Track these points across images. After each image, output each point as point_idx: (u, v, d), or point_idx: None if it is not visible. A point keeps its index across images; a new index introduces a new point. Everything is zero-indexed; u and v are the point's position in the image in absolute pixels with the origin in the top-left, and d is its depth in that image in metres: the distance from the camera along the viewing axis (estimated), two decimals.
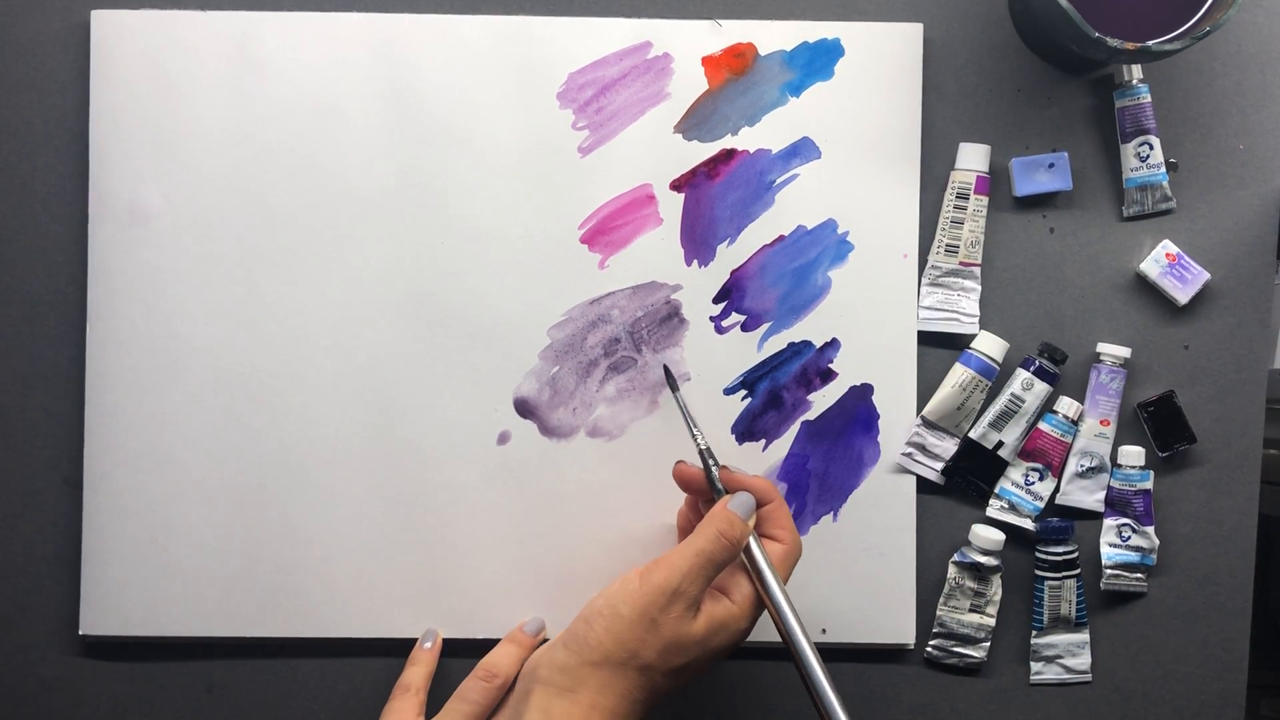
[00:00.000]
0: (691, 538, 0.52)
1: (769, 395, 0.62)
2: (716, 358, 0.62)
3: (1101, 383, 0.61)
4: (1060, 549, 0.62)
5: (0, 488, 0.62)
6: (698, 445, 0.57)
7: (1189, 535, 0.63)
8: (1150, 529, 0.62)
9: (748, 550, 0.53)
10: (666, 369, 0.60)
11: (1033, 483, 0.62)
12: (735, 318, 0.62)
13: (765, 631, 0.63)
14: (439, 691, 0.61)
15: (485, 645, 0.62)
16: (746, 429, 0.62)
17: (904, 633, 0.62)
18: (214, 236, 0.62)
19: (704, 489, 0.56)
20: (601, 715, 0.49)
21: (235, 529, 0.61)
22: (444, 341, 0.62)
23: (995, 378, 0.62)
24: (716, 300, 0.62)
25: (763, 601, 0.53)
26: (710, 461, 0.56)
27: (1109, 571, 0.62)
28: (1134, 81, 0.61)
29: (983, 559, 0.61)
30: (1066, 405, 0.62)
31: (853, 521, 0.62)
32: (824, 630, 0.62)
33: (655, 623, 0.49)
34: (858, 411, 0.62)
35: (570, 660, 0.50)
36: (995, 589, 0.62)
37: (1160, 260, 0.61)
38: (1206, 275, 0.61)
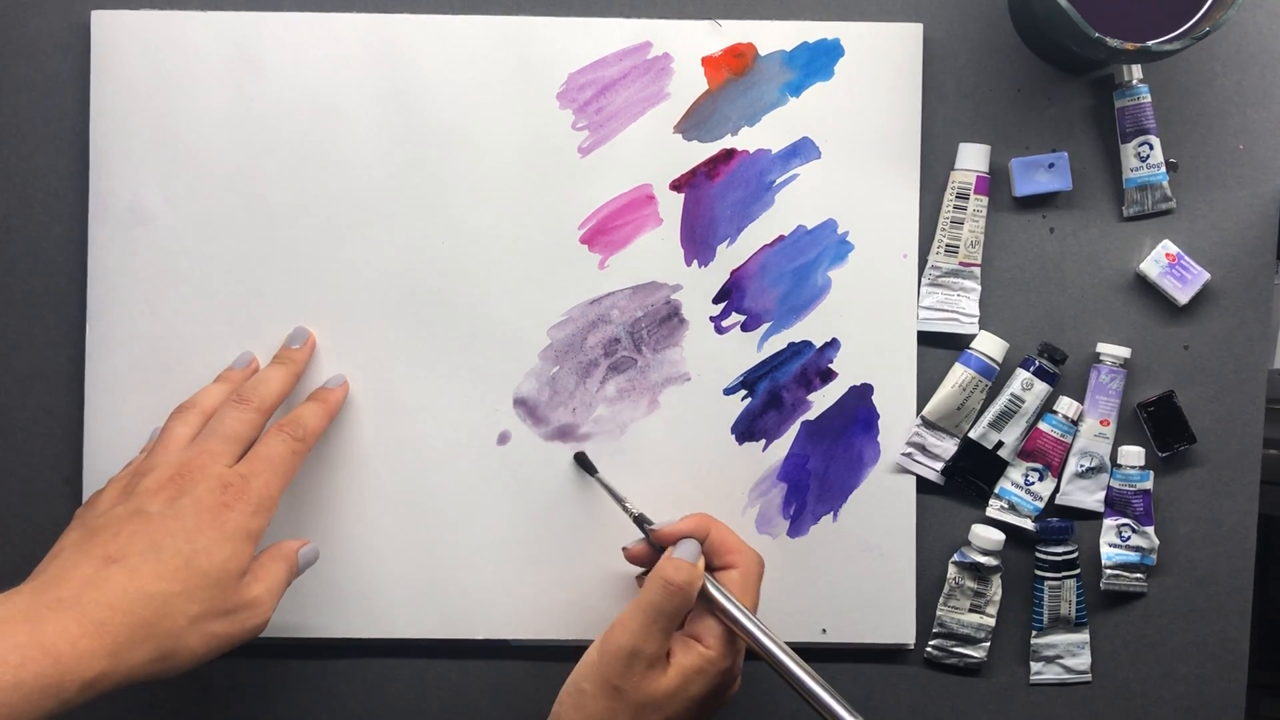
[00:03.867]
0: (639, 594, 0.51)
1: (769, 395, 0.62)
2: (716, 358, 0.62)
3: (1101, 383, 0.62)
4: (1060, 549, 0.62)
5: (0, 488, 0.62)
6: (631, 515, 0.57)
7: (1189, 535, 0.63)
8: (1150, 529, 0.62)
9: (704, 591, 0.52)
10: (580, 456, 0.61)
11: (1032, 483, 0.62)
12: (735, 318, 0.62)
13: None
14: (438, 692, 0.61)
15: (486, 646, 0.62)
16: (746, 429, 0.62)
17: (904, 633, 0.62)
18: (214, 236, 0.62)
19: (653, 559, 0.56)
20: None
21: None
22: (444, 341, 0.62)
23: (995, 378, 0.62)
24: (716, 300, 0.62)
25: (736, 636, 0.52)
26: (645, 526, 0.56)
27: (1109, 571, 0.62)
28: (1134, 81, 0.61)
29: (982, 559, 0.61)
30: (1066, 405, 0.62)
31: (853, 521, 0.62)
32: (824, 630, 0.62)
33: (619, 690, 0.49)
34: (857, 411, 0.62)
35: None
36: (995, 589, 0.62)
37: (1160, 260, 0.61)
38: (1206, 275, 0.61)
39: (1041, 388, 0.61)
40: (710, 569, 0.54)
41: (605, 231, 0.62)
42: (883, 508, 0.62)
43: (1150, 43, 0.54)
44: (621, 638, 0.50)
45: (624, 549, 0.57)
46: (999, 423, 0.62)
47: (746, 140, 0.62)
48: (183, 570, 0.48)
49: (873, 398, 0.62)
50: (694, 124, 0.62)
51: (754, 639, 0.51)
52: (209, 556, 0.49)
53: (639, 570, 0.58)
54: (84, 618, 0.45)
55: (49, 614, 0.45)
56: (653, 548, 0.56)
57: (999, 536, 0.61)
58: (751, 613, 0.53)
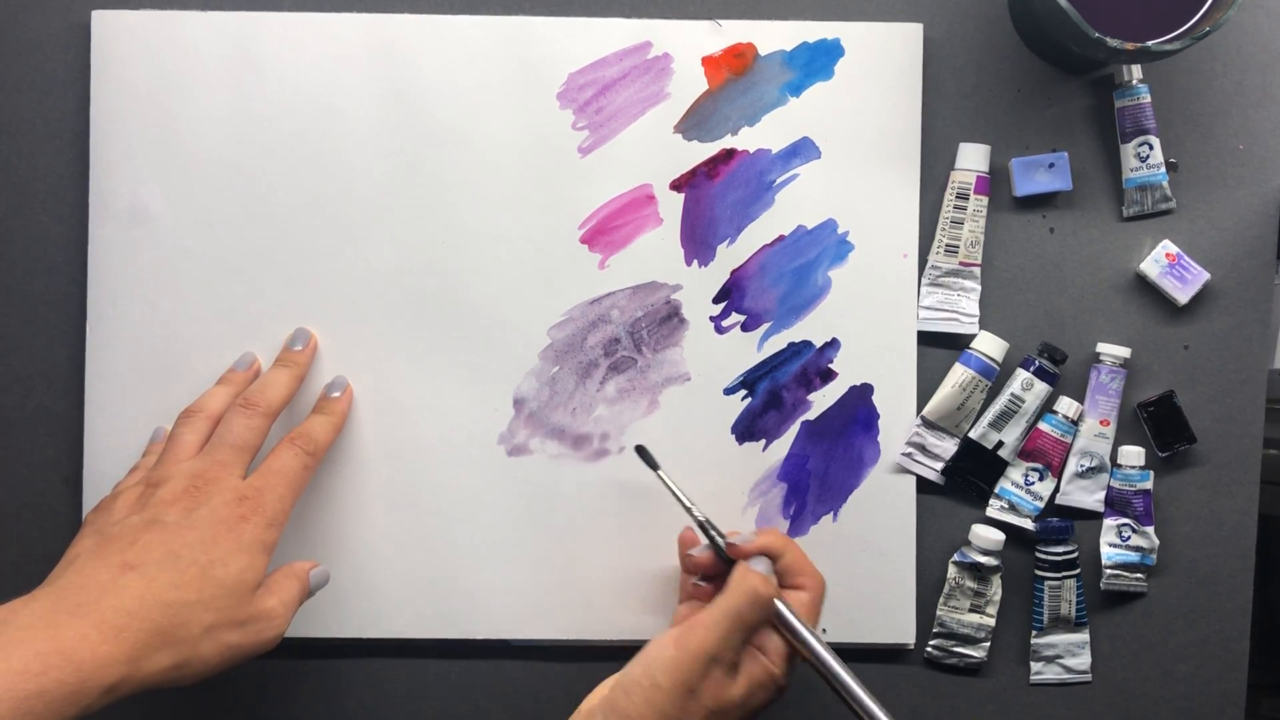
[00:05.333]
0: (723, 599, 0.51)
1: (769, 395, 0.62)
2: (716, 358, 0.62)
3: (1101, 383, 0.62)
4: (1060, 549, 0.62)
5: (1, 488, 0.62)
6: (697, 519, 0.56)
7: (1189, 535, 0.63)
8: (1150, 529, 0.62)
9: (777, 612, 0.52)
10: (641, 449, 0.58)
11: (1032, 483, 0.62)
12: (735, 318, 0.62)
13: None
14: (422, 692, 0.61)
15: (486, 646, 0.62)
16: (746, 429, 0.62)
17: (904, 633, 0.62)
18: (214, 236, 0.62)
19: (716, 567, 0.55)
20: None
21: None
22: (444, 341, 0.62)
23: (995, 378, 0.62)
24: (716, 300, 0.62)
25: (797, 654, 0.52)
26: (714, 533, 0.55)
27: (1109, 571, 0.62)
28: (1134, 81, 0.61)
29: (983, 559, 0.61)
30: (1066, 405, 0.62)
31: (853, 521, 0.62)
32: (824, 630, 0.62)
33: (695, 692, 0.49)
34: (858, 411, 0.62)
35: None
36: (995, 589, 0.62)
37: (1160, 260, 0.61)
38: (1206, 275, 0.61)
39: (1041, 388, 0.61)
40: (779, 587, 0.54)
41: (605, 231, 0.62)
42: (883, 508, 0.62)
43: (1150, 43, 0.54)
44: (707, 641, 0.49)
45: (689, 555, 0.56)
46: (999, 423, 0.62)
47: (746, 140, 0.62)
48: (199, 579, 0.49)
49: (873, 398, 0.62)
50: (694, 124, 0.62)
51: (828, 669, 0.51)
52: (225, 567, 0.50)
53: (696, 578, 0.56)
54: (103, 624, 0.45)
55: (68, 620, 0.45)
56: (721, 559, 0.55)
57: (999, 536, 0.61)
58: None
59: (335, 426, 0.59)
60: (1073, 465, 0.62)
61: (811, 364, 0.62)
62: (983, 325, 0.62)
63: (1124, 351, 0.61)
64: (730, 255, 0.62)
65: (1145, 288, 0.62)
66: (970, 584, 0.62)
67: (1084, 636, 0.63)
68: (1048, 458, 0.62)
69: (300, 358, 0.60)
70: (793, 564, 0.54)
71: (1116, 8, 0.56)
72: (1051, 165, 0.62)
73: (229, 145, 0.61)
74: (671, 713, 0.48)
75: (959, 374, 0.61)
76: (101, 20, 0.61)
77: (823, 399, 0.62)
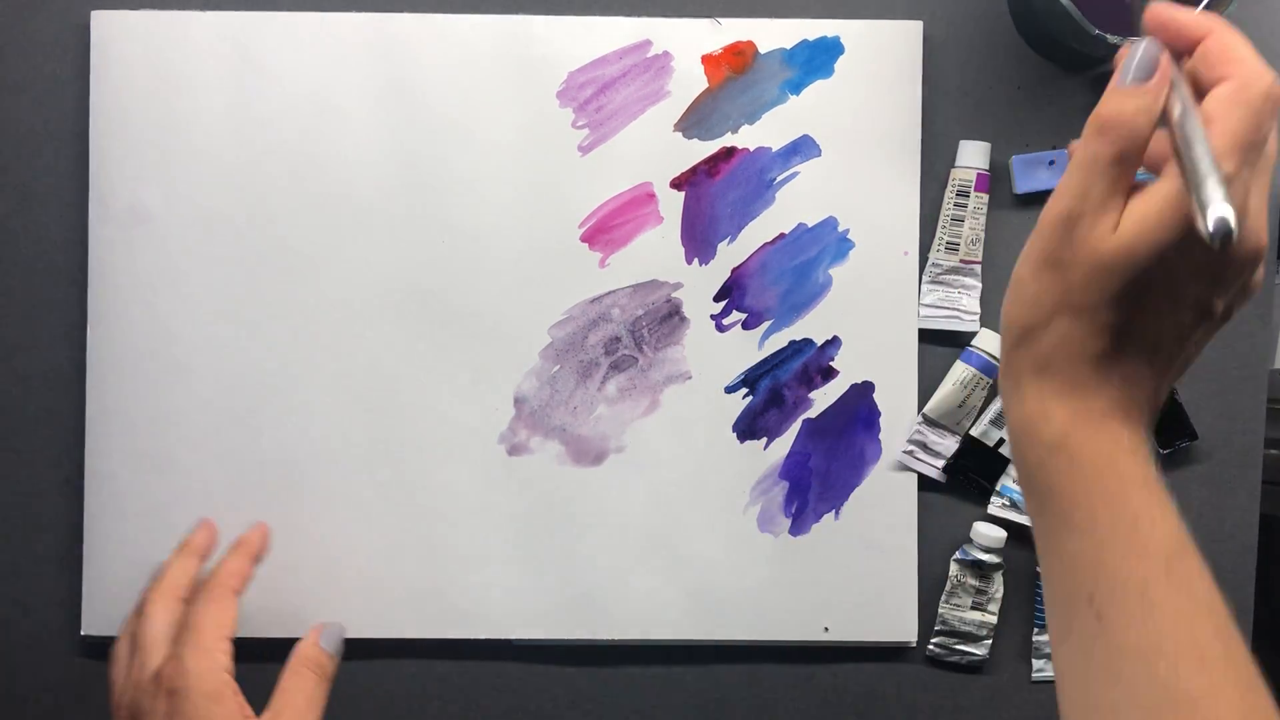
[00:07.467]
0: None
1: (770, 393, 0.62)
2: (717, 356, 0.62)
3: None
4: None
5: (1, 488, 0.62)
6: None
7: (1190, 532, 0.63)
8: None
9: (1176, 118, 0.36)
10: None
11: None
12: (736, 316, 0.62)
13: (766, 630, 0.63)
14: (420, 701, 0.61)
15: (486, 646, 0.62)
16: (748, 427, 0.62)
17: (906, 630, 0.62)
18: (214, 236, 0.62)
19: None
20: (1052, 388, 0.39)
21: (236, 529, 0.61)
22: (444, 341, 0.62)
23: (996, 375, 0.62)
24: (717, 298, 0.62)
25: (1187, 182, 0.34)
26: None
27: None
28: None
29: (985, 556, 0.61)
30: None
31: (854, 519, 0.62)
32: (826, 629, 0.62)
33: (1060, 263, 0.37)
34: (859, 409, 0.62)
35: (1001, 356, 0.41)
36: (997, 586, 0.62)
37: None
38: None
39: None
40: (1199, 89, 0.38)
41: (606, 230, 0.62)
42: (884, 505, 0.62)
43: None
44: (1058, 202, 0.37)
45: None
46: (1000, 420, 0.62)
47: (747, 138, 0.62)
48: None
49: (874, 395, 0.62)
50: (694, 122, 0.62)
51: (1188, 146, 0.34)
52: None
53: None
54: None
55: None
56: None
57: (1001, 534, 0.61)
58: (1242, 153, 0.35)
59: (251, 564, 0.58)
60: None
61: (813, 362, 0.62)
62: (984, 323, 0.62)
63: None
64: (731, 253, 0.62)
65: None
66: (972, 581, 0.62)
67: None
68: None
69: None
70: (1216, 52, 0.38)
71: (1116, 4, 0.56)
72: (1052, 162, 0.62)
73: (229, 145, 0.61)
74: (1040, 295, 0.38)
75: (960, 371, 0.61)
76: (101, 20, 0.61)
77: (824, 397, 0.62)
